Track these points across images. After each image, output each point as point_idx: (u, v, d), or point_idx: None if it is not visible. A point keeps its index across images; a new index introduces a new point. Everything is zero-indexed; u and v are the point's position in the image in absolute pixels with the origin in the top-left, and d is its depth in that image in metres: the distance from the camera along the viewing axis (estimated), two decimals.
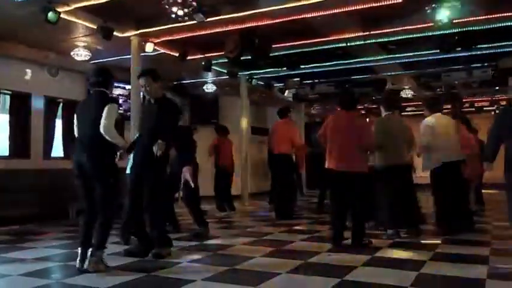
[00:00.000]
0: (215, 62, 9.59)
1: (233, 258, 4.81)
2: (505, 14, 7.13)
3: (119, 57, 8.89)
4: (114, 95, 9.96)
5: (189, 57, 8.79)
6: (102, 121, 4.11)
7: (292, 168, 8.82)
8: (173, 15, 6.49)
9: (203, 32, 7.80)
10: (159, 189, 4.75)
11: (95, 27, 7.19)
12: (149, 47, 8.17)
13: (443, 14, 6.51)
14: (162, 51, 8.82)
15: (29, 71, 8.91)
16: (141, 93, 5.35)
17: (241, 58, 8.30)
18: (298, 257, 4.82)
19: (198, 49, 8.99)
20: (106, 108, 4.14)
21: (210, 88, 11.99)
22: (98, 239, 4.19)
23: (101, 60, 9.13)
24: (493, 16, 7.23)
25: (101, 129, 4.12)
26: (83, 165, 4.20)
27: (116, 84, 10.02)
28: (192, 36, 8.09)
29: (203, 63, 9.34)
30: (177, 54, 8.74)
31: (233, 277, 4.12)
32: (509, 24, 7.53)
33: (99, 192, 4.21)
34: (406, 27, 7.78)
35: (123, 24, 7.56)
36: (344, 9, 6.87)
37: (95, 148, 4.18)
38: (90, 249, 4.16)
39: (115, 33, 7.34)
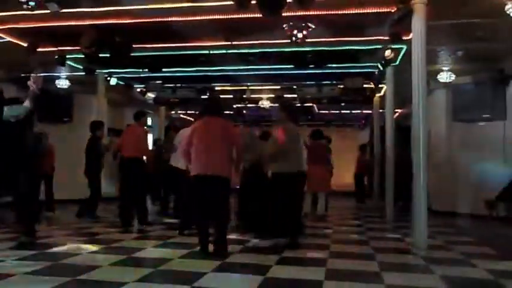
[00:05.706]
0: (70, 56, 9.00)
1: (78, 268, 4.53)
2: (350, 39, 7.92)
3: None
4: None
5: (40, 49, 8.10)
6: None
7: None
8: (23, 2, 5.95)
9: (58, 24, 7.28)
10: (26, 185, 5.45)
11: None
12: None
13: None
14: (9, 39, 8.01)
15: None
16: None
17: (100, 55, 7.88)
18: (148, 265, 4.72)
19: (51, 41, 8.32)
20: None
21: (63, 84, 11.19)
22: None
23: None
24: (340, 39, 7.97)
25: None
26: None
27: None
28: (45, 27, 7.48)
29: (56, 57, 8.68)
30: (26, 45, 7.99)
31: None
32: (353, 48, 8.41)
33: None
34: (265, 42, 8.18)
35: None
36: (207, 17, 6.98)
37: None
38: None
39: None
